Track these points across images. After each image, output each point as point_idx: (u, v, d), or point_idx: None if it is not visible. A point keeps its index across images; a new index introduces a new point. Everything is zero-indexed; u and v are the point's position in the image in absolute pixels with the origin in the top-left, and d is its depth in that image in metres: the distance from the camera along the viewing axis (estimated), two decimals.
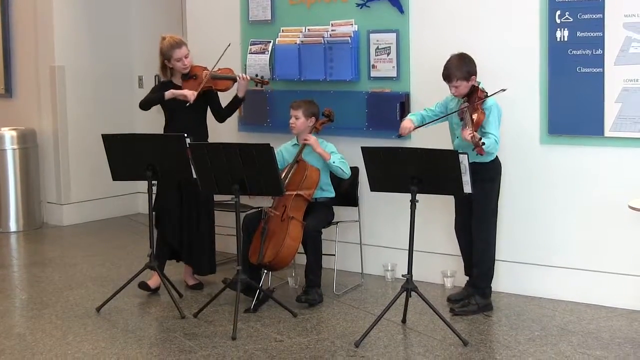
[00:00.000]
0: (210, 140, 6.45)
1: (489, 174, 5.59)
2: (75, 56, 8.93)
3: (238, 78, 6.39)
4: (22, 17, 9.12)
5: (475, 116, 5.42)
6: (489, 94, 5.54)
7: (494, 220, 5.82)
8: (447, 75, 5.60)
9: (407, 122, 5.77)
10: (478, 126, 5.42)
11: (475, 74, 5.62)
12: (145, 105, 6.41)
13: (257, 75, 6.67)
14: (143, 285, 6.33)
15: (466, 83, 5.58)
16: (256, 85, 6.62)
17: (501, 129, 5.94)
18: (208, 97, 6.42)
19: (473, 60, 5.65)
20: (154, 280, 6.38)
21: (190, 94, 6.22)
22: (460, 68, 5.57)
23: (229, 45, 6.33)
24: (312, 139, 6.16)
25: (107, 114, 9.08)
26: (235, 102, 6.51)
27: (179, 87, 6.37)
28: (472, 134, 5.32)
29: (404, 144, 6.32)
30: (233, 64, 6.81)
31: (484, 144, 5.32)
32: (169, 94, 6.30)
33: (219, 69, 6.44)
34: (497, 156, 5.72)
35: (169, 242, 6.41)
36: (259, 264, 5.99)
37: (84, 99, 9.02)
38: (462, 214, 5.89)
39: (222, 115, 6.56)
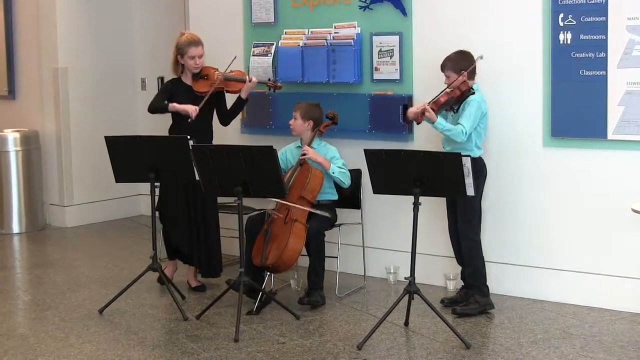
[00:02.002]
0: (215, 142, 6.45)
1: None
2: (78, 58, 8.93)
3: (248, 80, 6.39)
4: (25, 19, 9.12)
5: (442, 97, 5.63)
6: (471, 87, 5.69)
7: (479, 218, 5.86)
8: (442, 65, 5.78)
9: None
10: (437, 104, 5.60)
11: (467, 70, 5.68)
12: (152, 111, 6.41)
13: (269, 79, 6.65)
14: (162, 280, 6.39)
15: (455, 76, 5.68)
16: (269, 90, 6.60)
17: (504, 131, 5.98)
18: (216, 99, 6.42)
19: (470, 59, 5.74)
20: (169, 269, 6.48)
21: (192, 111, 6.21)
22: (454, 60, 5.73)
23: (235, 58, 6.38)
24: (310, 151, 6.16)
25: (110, 116, 9.08)
26: (239, 104, 6.52)
27: (189, 87, 6.38)
28: (423, 105, 5.53)
29: (407, 146, 6.32)
30: (236, 66, 6.81)
31: (425, 114, 5.50)
32: (171, 107, 6.29)
33: (231, 71, 6.44)
34: (480, 156, 5.75)
35: (175, 245, 6.44)
36: (262, 266, 5.99)
37: (87, 101, 9.02)
38: (451, 216, 5.92)
39: (226, 118, 6.56)
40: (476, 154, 5.72)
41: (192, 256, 6.45)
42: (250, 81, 6.40)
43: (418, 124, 5.67)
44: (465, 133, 5.58)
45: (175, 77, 6.49)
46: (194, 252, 6.42)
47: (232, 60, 6.35)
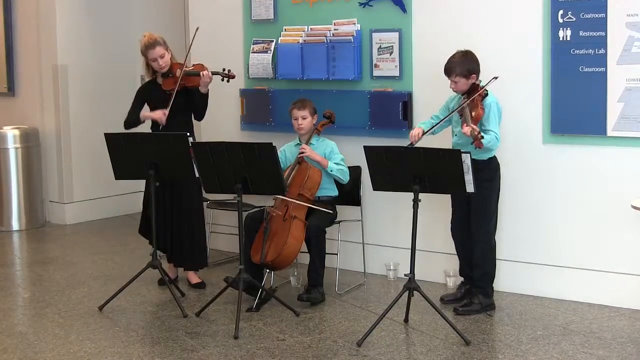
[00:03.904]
0: (210, 139, 6.44)
1: (486, 174, 5.58)
2: (77, 55, 8.93)
3: (201, 75, 6.28)
4: (25, 16, 9.13)
5: (474, 112, 5.45)
6: (486, 87, 5.55)
7: (494, 220, 5.82)
8: (448, 69, 5.65)
9: (417, 129, 5.71)
10: (477, 121, 5.45)
11: (476, 72, 5.63)
12: (128, 127, 6.41)
13: (223, 70, 6.56)
14: (162, 282, 6.39)
15: (465, 80, 5.61)
16: (222, 80, 6.52)
17: (504, 129, 5.95)
18: (188, 95, 6.38)
19: (477, 60, 5.66)
20: (171, 272, 6.49)
21: (160, 117, 6.23)
22: (461, 64, 5.61)
23: (197, 29, 6.30)
24: (307, 150, 6.16)
25: (110, 113, 9.06)
26: (201, 99, 6.38)
27: (161, 86, 6.37)
28: (471, 128, 5.33)
29: (406, 143, 6.31)
30: (236, 63, 6.82)
31: (482, 137, 5.34)
32: (142, 117, 6.34)
33: (193, 65, 6.41)
34: (494, 155, 5.73)
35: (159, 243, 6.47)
36: (261, 264, 5.99)
37: (87, 98, 9.03)
38: (460, 213, 5.89)
39: (196, 113, 6.49)
40: (492, 152, 5.69)
41: (167, 251, 6.47)
42: (202, 76, 6.28)
43: (477, 148, 5.42)
44: (499, 138, 5.55)
45: (149, 79, 6.51)
46: (168, 248, 6.43)
47: (189, 50, 6.27)
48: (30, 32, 9.07)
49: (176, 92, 6.24)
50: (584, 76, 5.76)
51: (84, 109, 9.00)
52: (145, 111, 6.36)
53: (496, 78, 5.57)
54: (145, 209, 6.47)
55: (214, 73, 6.38)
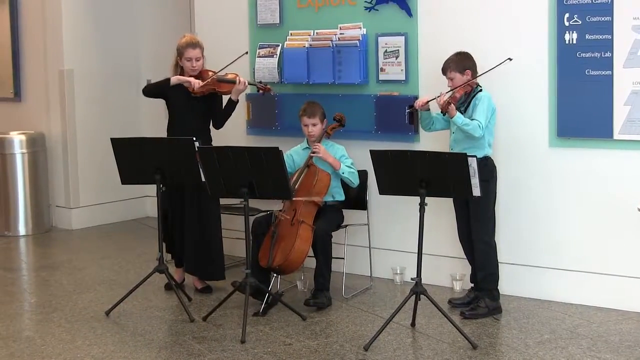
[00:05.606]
0: (216, 143, 6.45)
1: (482, 174, 5.56)
2: (84, 59, 8.94)
3: (237, 81, 6.36)
4: (31, 21, 9.14)
5: (457, 93, 5.62)
6: (480, 75, 5.70)
7: (492, 221, 5.84)
8: (444, 68, 5.78)
9: (424, 97, 5.82)
10: (455, 99, 5.58)
11: (471, 69, 5.72)
12: (149, 91, 6.49)
13: (260, 82, 6.63)
14: (169, 287, 6.38)
15: (460, 76, 5.70)
16: (258, 91, 6.59)
17: (510, 132, 5.98)
18: (212, 100, 6.42)
19: (472, 58, 5.76)
20: (177, 276, 6.47)
21: (195, 81, 6.25)
22: (456, 61, 5.73)
23: (246, 53, 6.35)
24: (321, 149, 6.15)
25: (116, 118, 9.09)
26: (229, 106, 6.47)
27: (185, 88, 6.37)
28: (443, 101, 5.51)
29: (413, 147, 6.32)
30: (241, 67, 6.81)
31: (449, 103, 5.49)
32: (174, 79, 6.33)
33: (226, 73, 6.43)
34: (490, 157, 5.75)
35: (176, 251, 6.46)
36: (268, 268, 5.99)
37: (93, 103, 9.03)
38: (462, 219, 5.90)
39: (218, 120, 6.53)
40: (488, 152, 5.71)
41: (183, 259, 6.45)
42: (239, 83, 6.36)
43: (444, 114, 5.62)
44: (482, 128, 5.58)
45: None
46: (186, 256, 6.42)
47: (240, 56, 6.33)
48: (36, 37, 9.09)
49: (204, 87, 6.27)
50: (590, 79, 5.75)
51: (90, 114, 9.00)
52: (178, 76, 6.37)
53: (510, 59, 5.65)
54: (164, 218, 6.42)
55: (250, 84, 6.44)
